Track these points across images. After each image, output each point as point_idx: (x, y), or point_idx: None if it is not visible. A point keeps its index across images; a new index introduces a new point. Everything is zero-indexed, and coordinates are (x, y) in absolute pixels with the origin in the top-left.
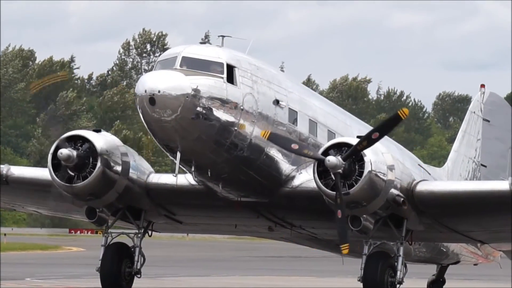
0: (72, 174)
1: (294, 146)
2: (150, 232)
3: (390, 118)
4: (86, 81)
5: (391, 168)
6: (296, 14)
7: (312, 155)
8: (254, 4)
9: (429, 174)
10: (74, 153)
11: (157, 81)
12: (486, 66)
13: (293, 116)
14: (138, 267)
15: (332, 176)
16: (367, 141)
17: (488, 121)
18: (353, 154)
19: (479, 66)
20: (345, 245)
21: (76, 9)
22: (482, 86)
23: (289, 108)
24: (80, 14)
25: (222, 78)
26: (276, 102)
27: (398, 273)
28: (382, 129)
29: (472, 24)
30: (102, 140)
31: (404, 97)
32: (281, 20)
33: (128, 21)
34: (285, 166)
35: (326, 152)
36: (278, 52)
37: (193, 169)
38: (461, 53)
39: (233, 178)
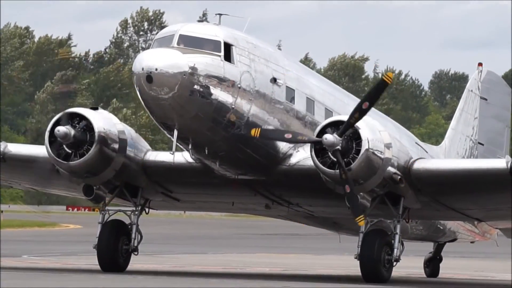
0: (69, 151)
1: (288, 136)
2: (147, 210)
3: (376, 85)
4: (83, 58)
5: (388, 146)
6: None
7: (307, 139)
8: None
9: (426, 152)
10: (71, 130)
11: (154, 59)
12: (484, 44)
13: (290, 94)
14: (135, 245)
15: (330, 154)
16: (359, 112)
17: (486, 99)
18: (348, 129)
19: (477, 45)
20: (360, 217)
21: None
22: (480, 64)
23: (287, 86)
24: None
25: (220, 56)
26: (274, 80)
27: (395, 250)
28: (371, 98)
29: (471, 2)
30: (99, 117)
31: (403, 76)
32: None
33: None
34: (282, 144)
35: (322, 131)
36: (277, 31)
37: (190, 147)
38: (458, 32)
39: (230, 156)
